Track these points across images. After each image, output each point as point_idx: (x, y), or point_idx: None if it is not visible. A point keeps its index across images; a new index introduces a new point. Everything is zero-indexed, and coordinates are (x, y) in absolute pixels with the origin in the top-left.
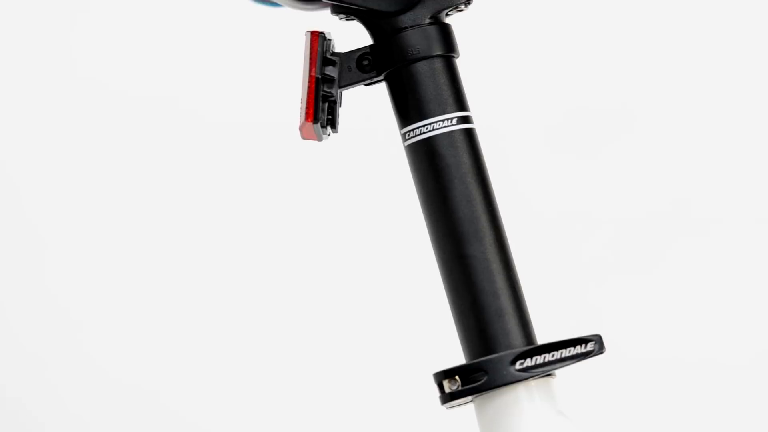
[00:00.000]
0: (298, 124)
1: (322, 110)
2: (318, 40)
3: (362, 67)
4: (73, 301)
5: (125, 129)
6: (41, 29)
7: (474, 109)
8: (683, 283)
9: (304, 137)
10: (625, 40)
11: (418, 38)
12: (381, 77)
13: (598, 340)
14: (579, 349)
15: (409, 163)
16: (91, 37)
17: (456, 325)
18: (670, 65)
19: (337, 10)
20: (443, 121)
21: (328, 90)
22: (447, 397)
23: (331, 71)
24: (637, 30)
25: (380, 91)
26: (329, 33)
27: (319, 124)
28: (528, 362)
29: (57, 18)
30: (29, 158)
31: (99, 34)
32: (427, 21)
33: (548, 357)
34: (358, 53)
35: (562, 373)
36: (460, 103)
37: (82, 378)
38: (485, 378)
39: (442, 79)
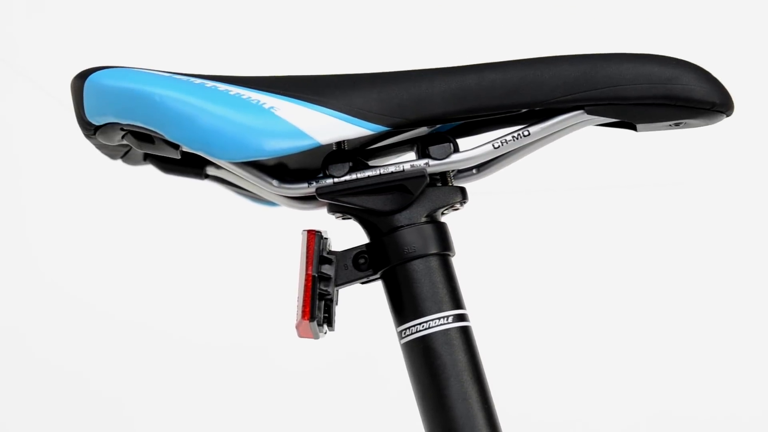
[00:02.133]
0: (294, 323)
1: (318, 308)
2: (315, 238)
3: (358, 265)
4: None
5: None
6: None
7: (469, 306)
8: None
9: (300, 335)
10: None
11: (414, 237)
12: (377, 275)
13: None
14: None
15: (405, 360)
16: None
17: None
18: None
19: (333, 209)
20: (439, 319)
21: (325, 288)
22: None
23: (328, 270)
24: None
25: (376, 289)
26: (326, 231)
27: (315, 323)
28: None
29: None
30: None
31: None
32: (423, 220)
33: None
34: (355, 251)
35: None
36: (456, 301)
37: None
38: None
39: (438, 277)
